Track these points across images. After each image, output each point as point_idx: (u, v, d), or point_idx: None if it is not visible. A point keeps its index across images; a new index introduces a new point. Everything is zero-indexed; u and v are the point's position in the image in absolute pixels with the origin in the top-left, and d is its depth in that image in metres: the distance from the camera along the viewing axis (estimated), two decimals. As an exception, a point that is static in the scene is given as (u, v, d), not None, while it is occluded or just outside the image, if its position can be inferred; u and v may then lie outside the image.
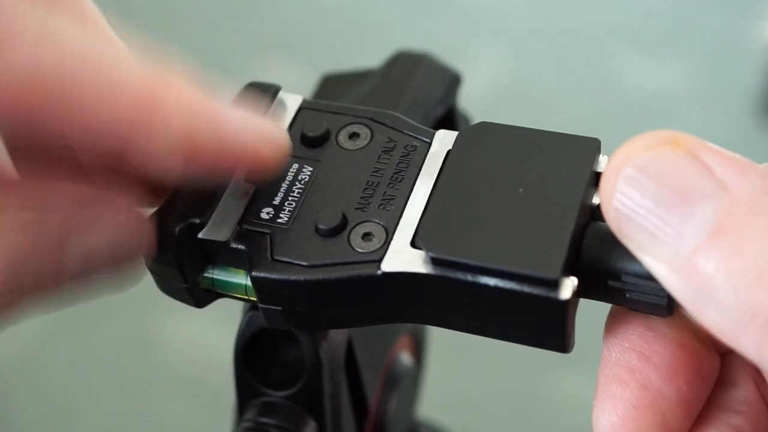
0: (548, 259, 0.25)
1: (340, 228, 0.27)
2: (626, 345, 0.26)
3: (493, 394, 1.06)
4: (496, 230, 0.26)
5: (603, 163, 0.27)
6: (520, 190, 0.27)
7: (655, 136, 0.24)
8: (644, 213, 0.23)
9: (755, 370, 0.26)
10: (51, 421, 1.05)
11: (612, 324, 0.26)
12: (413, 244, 0.27)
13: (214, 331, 1.07)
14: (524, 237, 0.26)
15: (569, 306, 0.25)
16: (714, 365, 0.26)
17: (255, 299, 0.28)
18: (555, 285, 0.25)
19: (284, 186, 0.29)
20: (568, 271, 0.25)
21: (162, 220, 0.28)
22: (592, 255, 0.26)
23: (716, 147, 0.24)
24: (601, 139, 0.28)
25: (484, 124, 0.29)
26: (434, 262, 0.26)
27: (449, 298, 0.26)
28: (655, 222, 0.23)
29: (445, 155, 0.28)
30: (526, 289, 0.25)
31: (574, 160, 0.27)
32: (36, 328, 1.11)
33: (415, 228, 0.27)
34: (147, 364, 1.09)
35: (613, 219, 0.24)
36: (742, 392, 0.26)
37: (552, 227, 0.26)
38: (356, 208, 0.28)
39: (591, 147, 0.27)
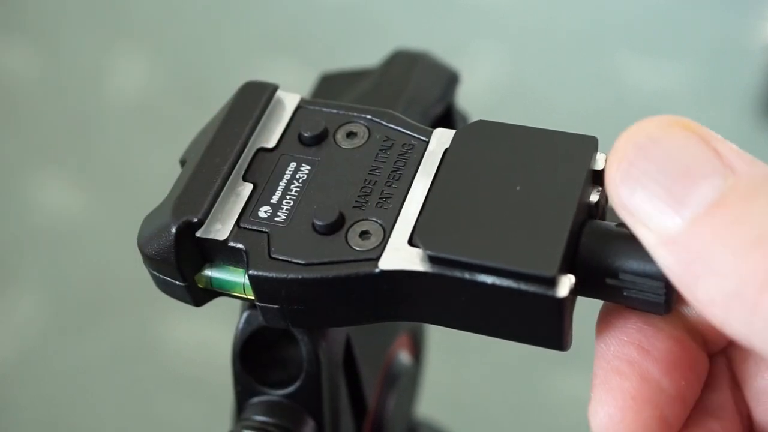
0: (545, 256, 0.25)
1: (338, 226, 0.27)
2: (625, 338, 0.26)
3: (492, 393, 1.06)
4: (494, 228, 0.26)
5: (600, 161, 0.27)
6: (518, 187, 0.27)
7: (669, 118, 0.24)
8: (649, 181, 0.23)
9: (732, 377, 0.26)
10: (51, 421, 1.05)
11: (607, 318, 0.27)
12: (411, 242, 0.27)
13: (214, 330, 1.07)
14: (521, 235, 0.26)
15: (566, 304, 0.25)
16: (705, 365, 0.26)
17: (253, 298, 0.28)
18: (552, 283, 0.25)
19: (282, 184, 0.29)
20: (565, 269, 0.25)
21: (160, 219, 0.28)
22: (589, 252, 0.26)
23: (725, 140, 0.24)
24: (601, 139, 0.28)
25: (481, 123, 0.29)
26: (431, 260, 0.26)
27: (447, 297, 0.26)
28: (658, 191, 0.23)
29: (443, 153, 0.28)
30: (523, 286, 0.25)
31: (572, 157, 0.27)
32: (36, 328, 1.11)
33: (413, 226, 0.27)
34: (147, 363, 1.09)
35: (617, 185, 0.24)
36: (721, 397, 0.26)
37: (549, 225, 0.26)
38: (354, 207, 0.28)
39: (588, 145, 0.27)
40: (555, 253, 0.25)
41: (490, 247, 0.25)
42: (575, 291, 0.25)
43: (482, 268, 0.25)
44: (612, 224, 0.26)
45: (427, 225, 0.27)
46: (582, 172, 0.27)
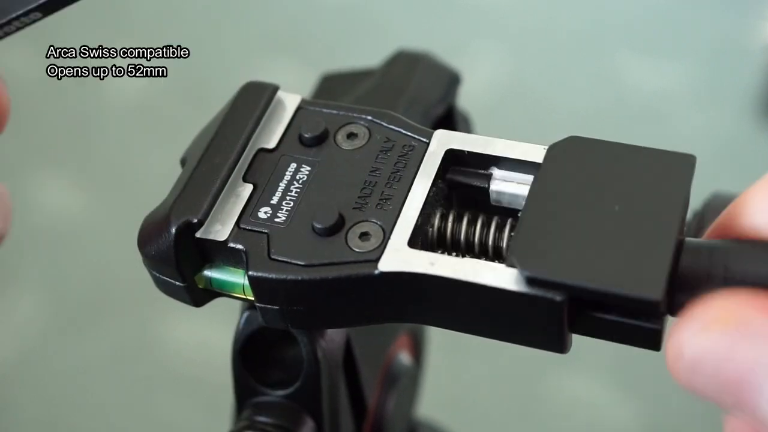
0: (650, 279, 0.24)
1: (338, 228, 0.27)
2: None
3: (493, 394, 1.06)
4: (593, 249, 0.25)
5: None
6: (616, 207, 0.26)
7: (705, 316, 0.23)
8: (713, 395, 0.22)
9: None
10: (51, 421, 1.05)
11: None
12: (507, 264, 0.26)
13: (214, 330, 1.07)
14: (623, 256, 0.25)
15: (565, 307, 0.25)
16: None
17: (253, 298, 0.28)
18: (657, 306, 0.24)
19: (282, 185, 0.29)
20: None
21: (159, 219, 0.28)
22: (689, 278, 0.25)
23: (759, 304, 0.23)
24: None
25: (574, 139, 0.28)
26: (530, 281, 0.25)
27: (447, 299, 0.26)
28: (726, 400, 0.22)
29: (536, 171, 0.27)
30: (533, 292, 0.25)
31: (670, 176, 0.26)
32: (36, 328, 1.11)
33: (413, 227, 0.27)
34: (146, 364, 1.09)
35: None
36: None
37: (651, 246, 0.25)
38: (354, 208, 0.28)
39: (687, 163, 0.27)
40: (659, 276, 0.24)
41: (592, 270, 0.25)
42: (666, 311, 0.25)
43: (584, 290, 0.25)
44: (707, 242, 0.25)
45: (523, 245, 0.26)
46: (682, 192, 0.26)
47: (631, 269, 0.25)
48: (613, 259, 0.25)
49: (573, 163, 0.27)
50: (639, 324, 0.25)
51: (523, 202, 0.28)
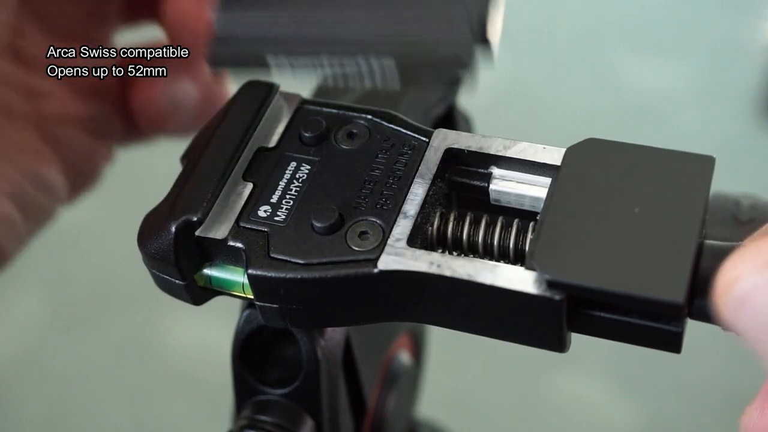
0: (672, 282, 0.24)
1: (337, 226, 0.27)
2: None
3: (493, 393, 1.06)
4: (614, 252, 0.25)
5: None
6: (636, 209, 0.26)
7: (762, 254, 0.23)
8: (754, 334, 0.22)
9: None
10: (51, 421, 1.05)
11: None
12: (526, 266, 0.26)
13: (214, 329, 1.07)
14: (644, 259, 0.25)
15: (564, 306, 0.25)
16: None
17: (252, 297, 0.28)
18: (679, 309, 0.24)
19: (282, 184, 0.29)
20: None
21: (159, 217, 0.28)
22: (711, 280, 0.24)
23: None
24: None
25: (593, 141, 0.28)
26: (550, 284, 0.25)
27: (447, 298, 0.26)
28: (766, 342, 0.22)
29: (554, 175, 0.27)
30: (532, 291, 0.25)
31: (690, 177, 0.26)
32: (36, 328, 1.11)
33: (411, 226, 0.27)
34: (146, 362, 1.09)
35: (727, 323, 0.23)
36: None
37: (673, 248, 0.25)
38: (353, 207, 0.28)
39: (706, 164, 0.26)
40: (681, 279, 0.24)
41: (613, 273, 0.25)
42: (687, 315, 0.25)
43: (605, 294, 0.25)
44: (727, 245, 0.25)
45: (544, 248, 0.26)
46: (702, 193, 0.26)
47: (653, 272, 0.24)
48: (635, 261, 0.25)
49: (592, 165, 0.27)
50: (660, 327, 0.25)
51: (523, 201, 0.28)
